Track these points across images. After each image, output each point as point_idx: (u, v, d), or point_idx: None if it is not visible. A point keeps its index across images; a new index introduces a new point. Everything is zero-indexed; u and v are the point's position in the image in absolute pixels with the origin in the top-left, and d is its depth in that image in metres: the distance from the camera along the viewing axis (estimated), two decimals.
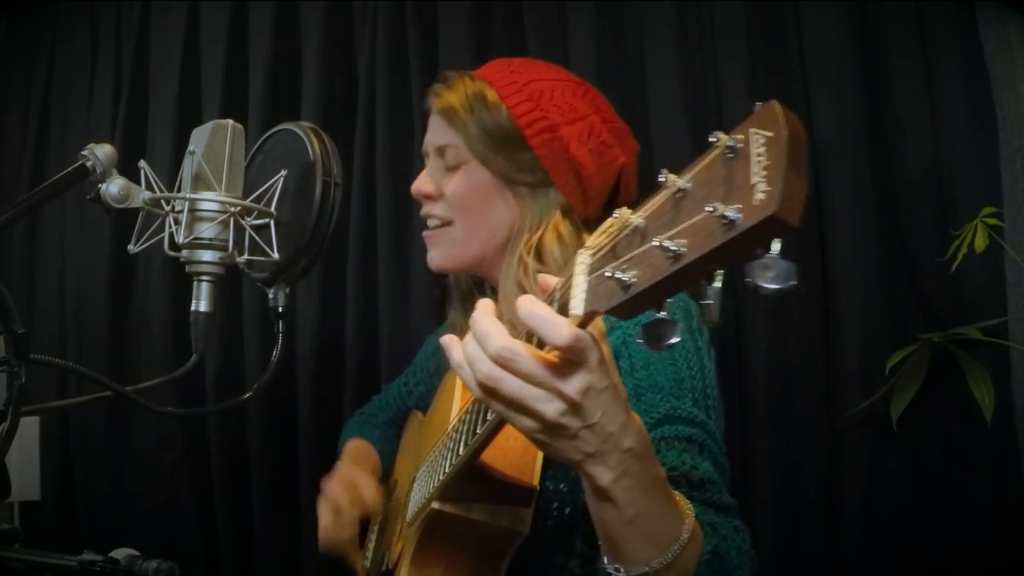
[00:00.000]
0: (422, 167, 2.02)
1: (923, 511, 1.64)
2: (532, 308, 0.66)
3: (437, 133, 1.27)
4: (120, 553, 0.84)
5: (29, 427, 2.12)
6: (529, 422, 0.69)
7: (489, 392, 0.70)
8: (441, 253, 1.28)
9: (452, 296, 1.40)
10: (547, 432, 0.69)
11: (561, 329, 0.64)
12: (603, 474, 0.71)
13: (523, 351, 0.67)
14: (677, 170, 0.57)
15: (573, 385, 0.67)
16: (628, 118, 1.79)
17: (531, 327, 0.67)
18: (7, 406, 0.83)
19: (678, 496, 0.80)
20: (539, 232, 1.19)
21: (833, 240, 1.70)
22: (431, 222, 1.29)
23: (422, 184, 1.29)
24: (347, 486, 1.33)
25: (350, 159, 2.02)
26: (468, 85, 1.25)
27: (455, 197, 1.25)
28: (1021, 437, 1.57)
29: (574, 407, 0.67)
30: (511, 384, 0.68)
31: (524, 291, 1.15)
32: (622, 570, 0.76)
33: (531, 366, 0.67)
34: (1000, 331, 1.55)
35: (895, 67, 1.69)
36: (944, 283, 1.62)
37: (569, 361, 0.66)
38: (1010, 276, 1.59)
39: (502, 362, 0.67)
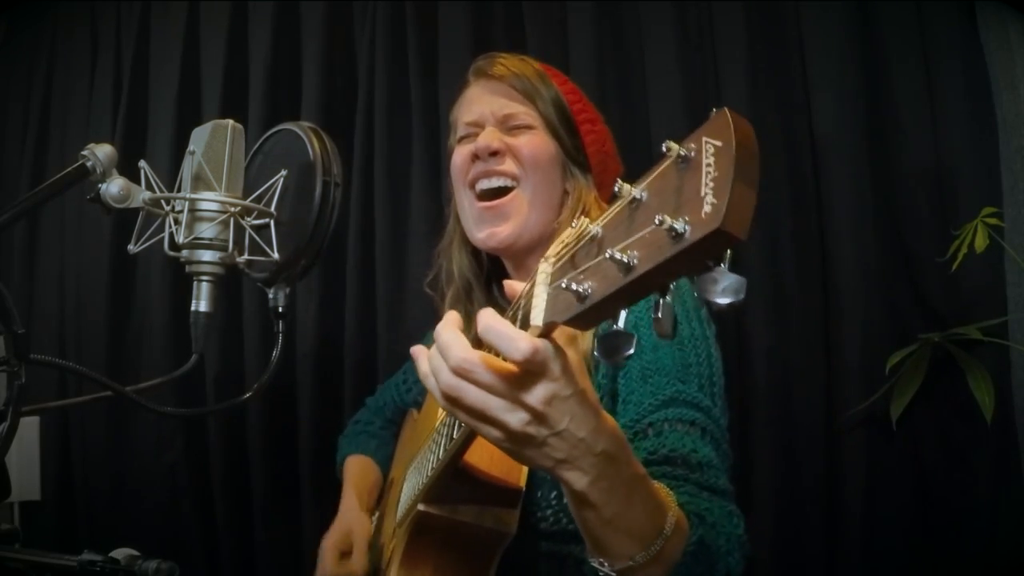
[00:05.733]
0: (422, 166, 2.03)
1: (923, 511, 1.64)
2: (490, 322, 0.66)
3: (501, 102, 1.24)
4: (120, 553, 0.84)
5: (29, 427, 2.12)
6: (494, 432, 0.69)
7: (453, 402, 0.69)
8: (511, 224, 1.21)
9: (462, 293, 1.35)
10: (513, 441, 0.69)
11: (518, 343, 0.63)
12: (577, 479, 0.71)
13: (480, 362, 0.66)
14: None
15: (535, 395, 0.66)
16: (628, 118, 1.82)
17: (489, 342, 0.66)
18: (7, 406, 0.83)
19: (662, 490, 0.80)
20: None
21: (833, 240, 1.69)
22: (495, 182, 1.22)
23: (490, 139, 1.21)
24: (335, 553, 1.32)
25: (350, 159, 2.02)
26: (531, 62, 1.26)
27: (528, 151, 1.21)
28: (1021, 437, 1.56)
29: (538, 416, 0.67)
30: (473, 395, 0.67)
31: None
32: (606, 564, 0.76)
33: (489, 378, 0.66)
34: (1000, 331, 1.55)
35: (895, 67, 1.69)
36: (944, 283, 1.62)
37: (529, 372, 0.65)
38: (1010, 276, 1.59)
39: (462, 373, 0.67)
